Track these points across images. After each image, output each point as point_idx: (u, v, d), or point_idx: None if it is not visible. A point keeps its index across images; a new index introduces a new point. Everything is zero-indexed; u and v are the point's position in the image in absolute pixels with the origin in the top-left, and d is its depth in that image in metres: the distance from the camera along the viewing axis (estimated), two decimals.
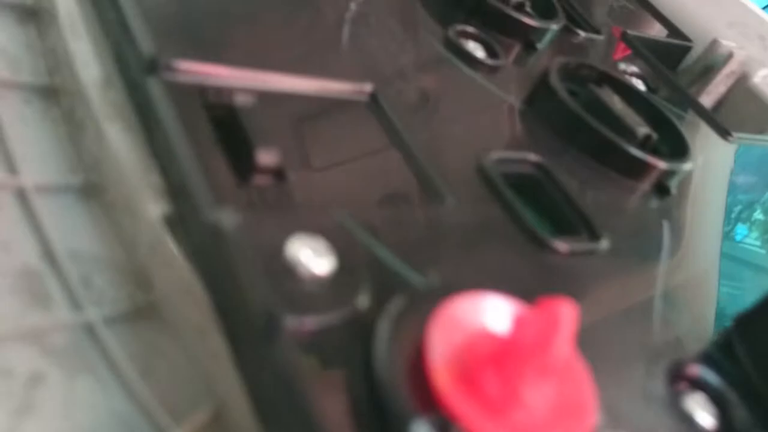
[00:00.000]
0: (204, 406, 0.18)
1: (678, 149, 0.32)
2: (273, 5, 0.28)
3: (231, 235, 0.17)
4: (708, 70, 0.49)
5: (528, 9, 0.38)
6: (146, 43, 0.21)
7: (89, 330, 0.18)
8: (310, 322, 0.16)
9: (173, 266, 0.19)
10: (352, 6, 0.32)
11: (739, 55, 0.48)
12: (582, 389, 0.17)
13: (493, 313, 0.17)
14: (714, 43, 0.49)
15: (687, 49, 0.50)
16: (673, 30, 0.51)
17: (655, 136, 0.31)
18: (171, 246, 0.19)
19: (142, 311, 0.19)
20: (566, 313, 0.15)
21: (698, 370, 0.21)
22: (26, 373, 0.17)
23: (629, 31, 0.46)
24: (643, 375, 0.21)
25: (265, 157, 0.20)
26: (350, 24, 0.30)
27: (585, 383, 0.17)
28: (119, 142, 0.21)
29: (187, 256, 0.19)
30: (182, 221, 0.19)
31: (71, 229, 0.20)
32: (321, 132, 0.24)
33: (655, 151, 0.31)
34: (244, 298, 0.16)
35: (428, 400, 0.15)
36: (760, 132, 0.47)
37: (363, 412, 0.15)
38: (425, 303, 0.17)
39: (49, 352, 0.17)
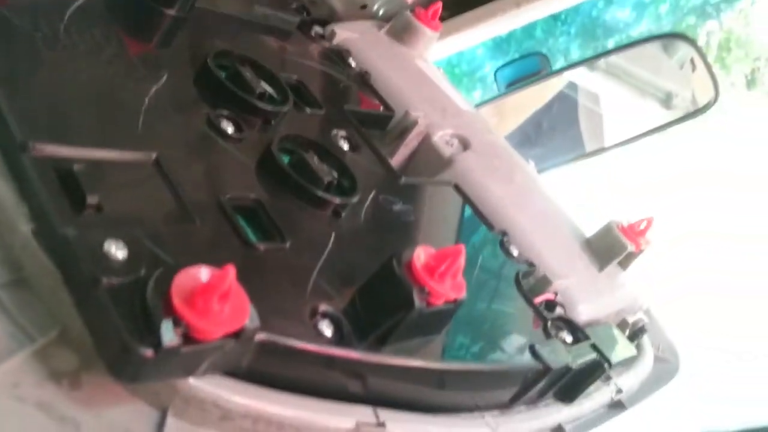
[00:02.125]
0: (55, 328, 0.35)
1: (351, 188, 0.54)
2: (97, 101, 0.46)
3: (71, 238, 0.35)
4: (403, 131, 0.72)
5: (270, 94, 0.57)
6: (17, 131, 0.38)
7: None
8: (114, 280, 0.34)
9: (35, 256, 0.36)
10: (152, 91, 0.50)
11: (423, 122, 0.72)
12: (242, 306, 0.36)
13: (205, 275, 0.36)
14: (407, 113, 0.72)
15: (391, 117, 0.73)
16: (383, 103, 0.74)
17: (334, 180, 0.52)
18: (35, 246, 0.36)
19: (19, 282, 0.36)
20: (228, 271, 0.34)
21: (325, 307, 0.42)
22: None
23: (346, 107, 0.67)
24: (294, 307, 0.41)
25: (91, 198, 0.37)
26: (148, 106, 0.48)
27: (245, 303, 0.36)
28: (2, 186, 0.37)
29: (45, 251, 0.36)
30: (42, 232, 0.36)
31: None
32: (124, 182, 0.42)
33: (339, 190, 0.52)
34: (80, 270, 0.34)
35: (172, 311, 0.34)
36: (435, 173, 0.71)
37: (142, 320, 0.33)
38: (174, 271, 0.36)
39: None
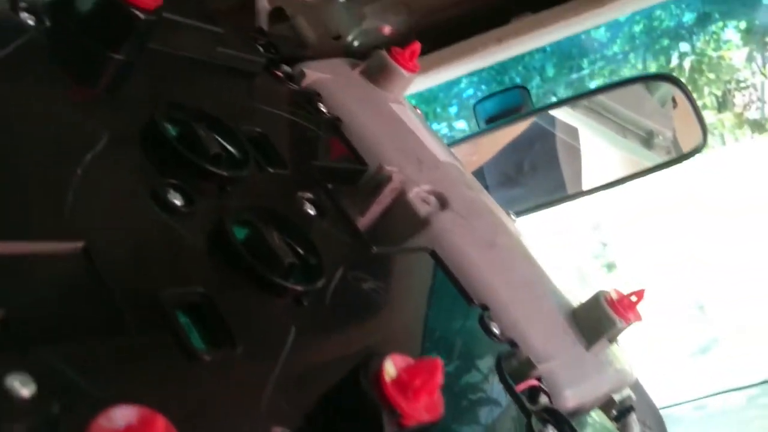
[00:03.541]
0: None
1: (316, 270, 0.47)
2: (15, 175, 0.39)
3: None
4: (376, 187, 0.66)
5: (226, 156, 0.51)
6: None
7: None
8: (18, 425, 0.28)
9: None
10: (86, 159, 0.43)
11: (397, 177, 0.66)
12: None
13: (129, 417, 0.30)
14: (380, 168, 0.66)
15: (363, 171, 0.66)
16: (356, 156, 0.68)
17: (297, 262, 0.46)
18: None
19: None
20: (156, 421, 0.27)
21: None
22: None
23: (315, 162, 0.61)
24: None
25: None
26: (80, 179, 0.41)
27: None
28: None
29: None
30: None
31: None
32: (41, 282, 0.35)
33: (303, 273, 0.46)
34: None
35: None
36: (410, 236, 0.65)
37: None
38: (92, 409, 0.29)
39: None
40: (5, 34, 0.48)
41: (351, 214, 0.63)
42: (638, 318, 0.63)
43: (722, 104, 7.04)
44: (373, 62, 0.79)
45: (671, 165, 1.15)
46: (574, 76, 6.91)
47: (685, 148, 1.15)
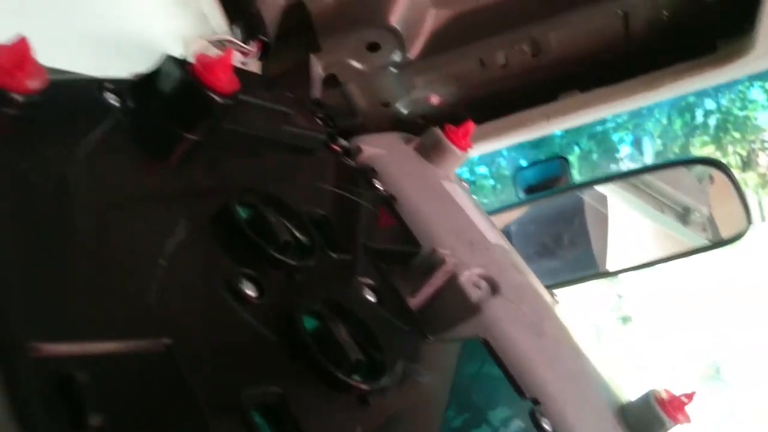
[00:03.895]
0: None
1: (380, 370, 0.48)
2: (104, 272, 0.40)
3: None
4: (429, 269, 0.67)
5: (295, 243, 0.52)
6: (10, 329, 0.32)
7: None
8: None
9: None
10: (167, 249, 0.44)
11: (450, 261, 0.67)
12: None
13: None
14: (434, 251, 0.67)
15: (416, 252, 0.67)
16: (409, 235, 0.68)
17: (363, 359, 0.46)
18: None
19: None
20: None
21: None
22: None
23: (372, 244, 0.62)
24: None
25: (93, 419, 0.31)
26: (161, 270, 0.42)
27: None
28: None
29: None
30: None
31: None
32: (129, 383, 0.36)
33: (368, 370, 0.46)
34: None
35: None
36: (461, 321, 0.66)
37: None
38: None
39: None
40: (91, 114, 0.50)
41: (403, 294, 0.63)
42: (687, 420, 0.62)
43: (746, 164, 7.01)
44: (427, 139, 0.81)
45: (711, 249, 1.14)
46: (599, 128, 6.94)
47: (726, 233, 1.15)
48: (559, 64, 1.01)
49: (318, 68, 0.93)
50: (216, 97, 0.54)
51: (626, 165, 7.68)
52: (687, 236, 1.31)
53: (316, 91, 0.94)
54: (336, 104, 0.98)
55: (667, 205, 1.27)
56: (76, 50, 0.67)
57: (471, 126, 0.80)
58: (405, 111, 1.04)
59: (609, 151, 7.41)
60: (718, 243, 1.16)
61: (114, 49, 0.69)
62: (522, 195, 1.29)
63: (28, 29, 0.51)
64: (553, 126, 0.99)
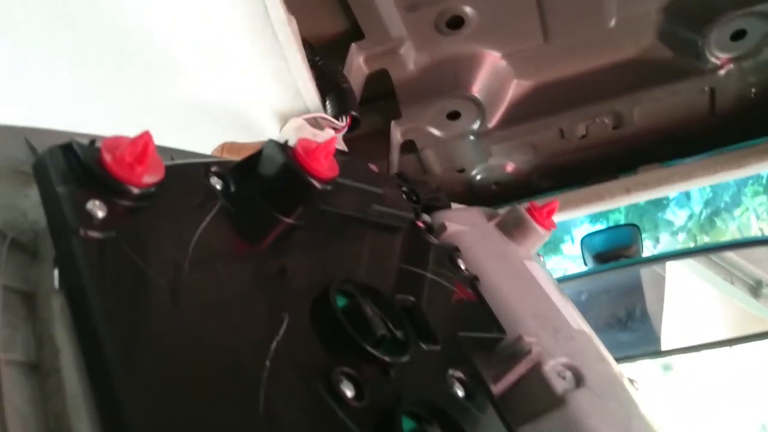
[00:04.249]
0: None
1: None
2: (218, 378, 0.39)
3: None
4: (513, 357, 0.65)
5: (390, 338, 0.51)
6: None
7: None
8: None
9: None
10: (272, 349, 0.43)
11: (536, 350, 0.65)
12: None
13: None
14: (519, 338, 0.65)
15: (501, 339, 0.66)
16: (493, 320, 0.67)
17: None
18: None
19: None
20: None
21: None
22: None
23: (461, 333, 0.61)
24: None
25: None
26: (267, 373, 0.42)
27: None
28: None
29: None
30: None
31: None
32: None
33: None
34: None
35: None
36: (545, 413, 0.63)
37: None
38: None
39: None
40: (194, 197, 0.51)
41: (485, 379, 0.62)
42: None
43: None
44: (509, 216, 0.80)
45: None
46: None
47: None
48: (639, 137, 0.99)
49: (397, 135, 0.93)
50: (316, 183, 0.54)
51: (674, 210, 7.52)
52: (757, 309, 1.26)
53: (394, 157, 0.94)
54: (412, 170, 0.98)
55: (738, 276, 1.23)
56: (181, 116, 0.69)
57: (556, 205, 0.79)
58: (479, 177, 1.03)
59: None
60: None
61: (211, 116, 0.71)
62: (590, 260, 1.26)
63: (138, 98, 0.52)
64: (633, 199, 0.97)
